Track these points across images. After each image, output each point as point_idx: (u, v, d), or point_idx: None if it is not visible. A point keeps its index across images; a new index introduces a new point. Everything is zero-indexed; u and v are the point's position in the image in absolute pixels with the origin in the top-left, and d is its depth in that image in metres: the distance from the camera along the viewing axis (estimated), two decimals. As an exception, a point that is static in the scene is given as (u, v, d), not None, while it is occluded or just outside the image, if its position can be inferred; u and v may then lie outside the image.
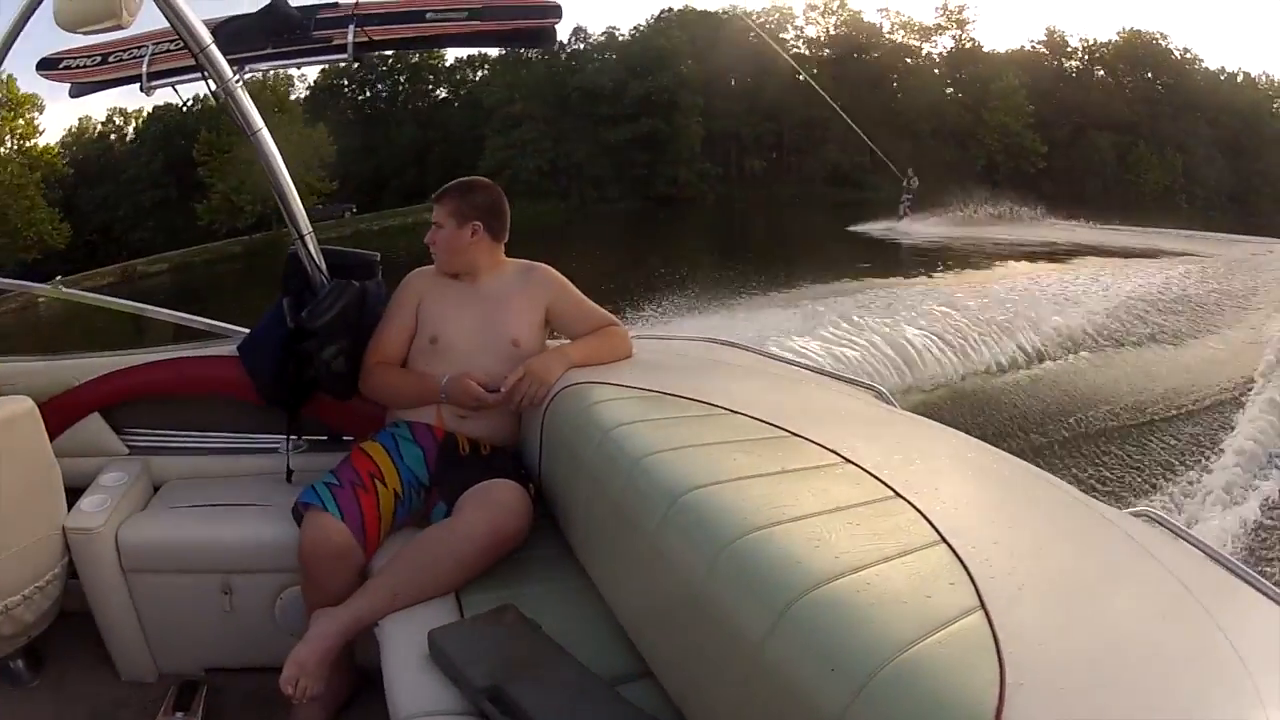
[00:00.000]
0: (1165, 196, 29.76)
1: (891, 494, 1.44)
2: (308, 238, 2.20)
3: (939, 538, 1.30)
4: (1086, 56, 36.49)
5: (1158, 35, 35.50)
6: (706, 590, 1.25)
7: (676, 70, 35.58)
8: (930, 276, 14.66)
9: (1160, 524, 1.83)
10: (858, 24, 38.04)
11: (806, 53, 37.24)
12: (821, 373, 2.72)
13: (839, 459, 1.59)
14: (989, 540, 1.34)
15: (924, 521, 1.35)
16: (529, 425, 2.04)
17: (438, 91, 39.94)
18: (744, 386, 2.15)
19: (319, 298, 2.11)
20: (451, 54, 38.20)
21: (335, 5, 2.11)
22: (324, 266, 2.22)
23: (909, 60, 37.44)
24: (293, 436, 2.22)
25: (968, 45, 36.83)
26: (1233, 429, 8.29)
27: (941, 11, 37.53)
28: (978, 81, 35.04)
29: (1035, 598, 1.23)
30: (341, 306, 2.09)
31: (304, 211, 2.20)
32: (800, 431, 1.70)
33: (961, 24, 37.14)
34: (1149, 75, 34.64)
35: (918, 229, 25.44)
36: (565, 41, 36.10)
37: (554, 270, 2.20)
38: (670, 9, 38.76)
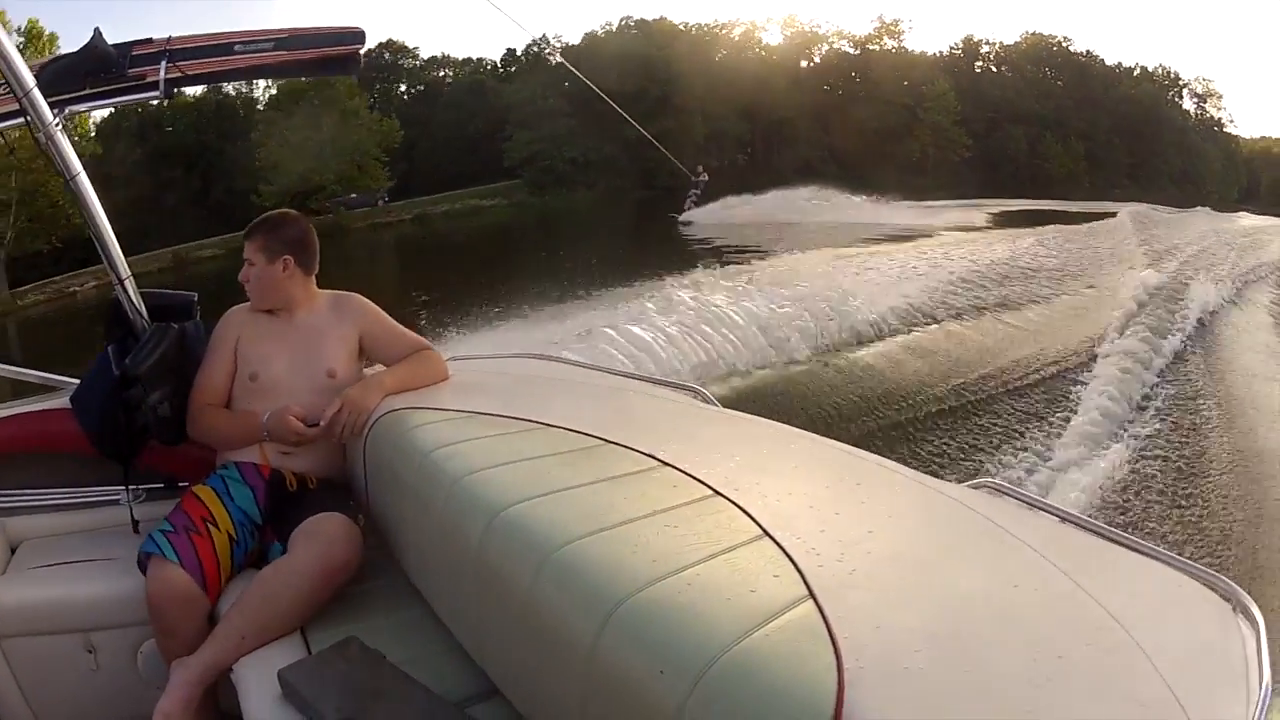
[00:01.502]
0: (1069, 178, 31.54)
1: (710, 492, 1.45)
2: (127, 282, 2.15)
3: (761, 531, 1.30)
4: (996, 58, 38.86)
5: (1061, 38, 37.98)
6: (533, 602, 1.24)
7: (681, 74, 36.95)
8: (750, 264, 13.58)
9: (1005, 494, 1.86)
10: (806, 36, 40.06)
11: (768, 60, 38.82)
12: (640, 379, 2.74)
13: (656, 462, 1.58)
14: (814, 529, 1.36)
15: (745, 517, 1.35)
16: (353, 455, 1.99)
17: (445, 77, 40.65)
18: (560, 400, 2.15)
19: (140, 344, 2.05)
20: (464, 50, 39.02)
21: (149, 41, 2.08)
22: (144, 311, 2.17)
23: (853, 74, 39.10)
24: (132, 486, 2.14)
25: (899, 52, 38.69)
26: (1084, 388, 8.24)
27: (878, 22, 39.47)
28: (913, 85, 36.71)
29: (868, 581, 1.24)
30: (162, 351, 2.04)
31: (123, 256, 2.15)
32: (617, 439, 1.69)
33: (896, 34, 39.23)
34: (1052, 73, 36.75)
35: (701, 217, 25.24)
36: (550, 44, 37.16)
37: (364, 299, 2.17)
38: (630, 17, 40.84)
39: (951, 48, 40.19)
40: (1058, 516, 1.79)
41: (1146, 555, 1.66)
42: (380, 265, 24.88)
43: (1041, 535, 1.62)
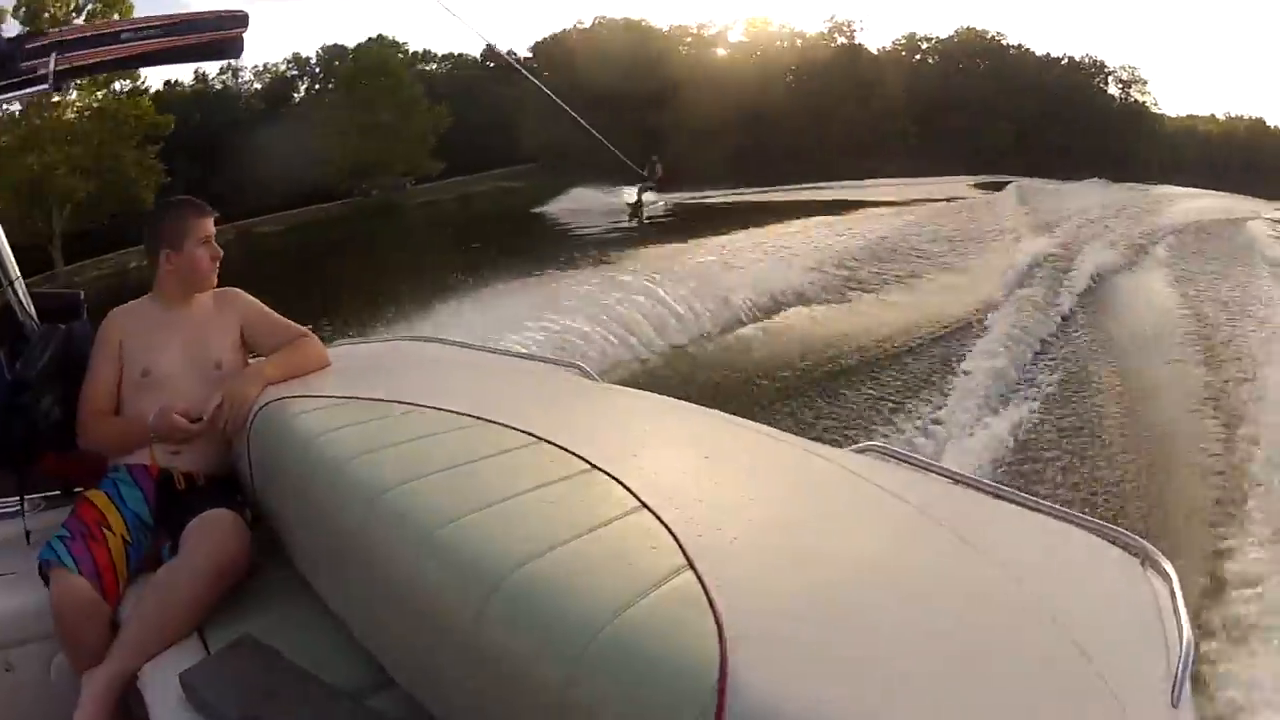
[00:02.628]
0: (999, 157, 32.42)
1: (588, 467, 1.43)
2: (17, 284, 2.11)
3: (639, 504, 1.29)
4: (934, 52, 40.88)
5: (994, 33, 40.10)
6: (416, 585, 1.22)
7: (670, 73, 37.53)
8: (662, 245, 14.02)
9: (891, 457, 1.86)
10: (767, 34, 41.73)
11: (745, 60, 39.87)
12: (524, 357, 2.72)
13: (534, 439, 1.56)
14: (692, 499, 1.35)
15: (622, 490, 1.33)
16: (238, 449, 1.91)
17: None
18: (441, 381, 2.11)
19: (30, 346, 2.01)
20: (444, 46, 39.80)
21: (40, 34, 2.06)
22: (34, 312, 2.13)
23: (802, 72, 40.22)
24: (28, 496, 2.01)
25: (853, 48, 40.37)
26: (973, 353, 8.30)
27: (830, 23, 41.38)
28: (865, 80, 38.29)
29: (748, 549, 1.23)
30: (51, 354, 1.99)
31: (13, 257, 2.11)
32: (497, 418, 1.66)
33: (849, 33, 41.06)
34: (985, 65, 38.72)
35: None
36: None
37: (242, 291, 2.15)
38: (604, 16, 42.08)
39: (895, 43, 42.23)
40: (949, 478, 1.80)
41: (1046, 513, 1.66)
42: (449, 236, 25.25)
43: (930, 497, 1.63)
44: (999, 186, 25.62)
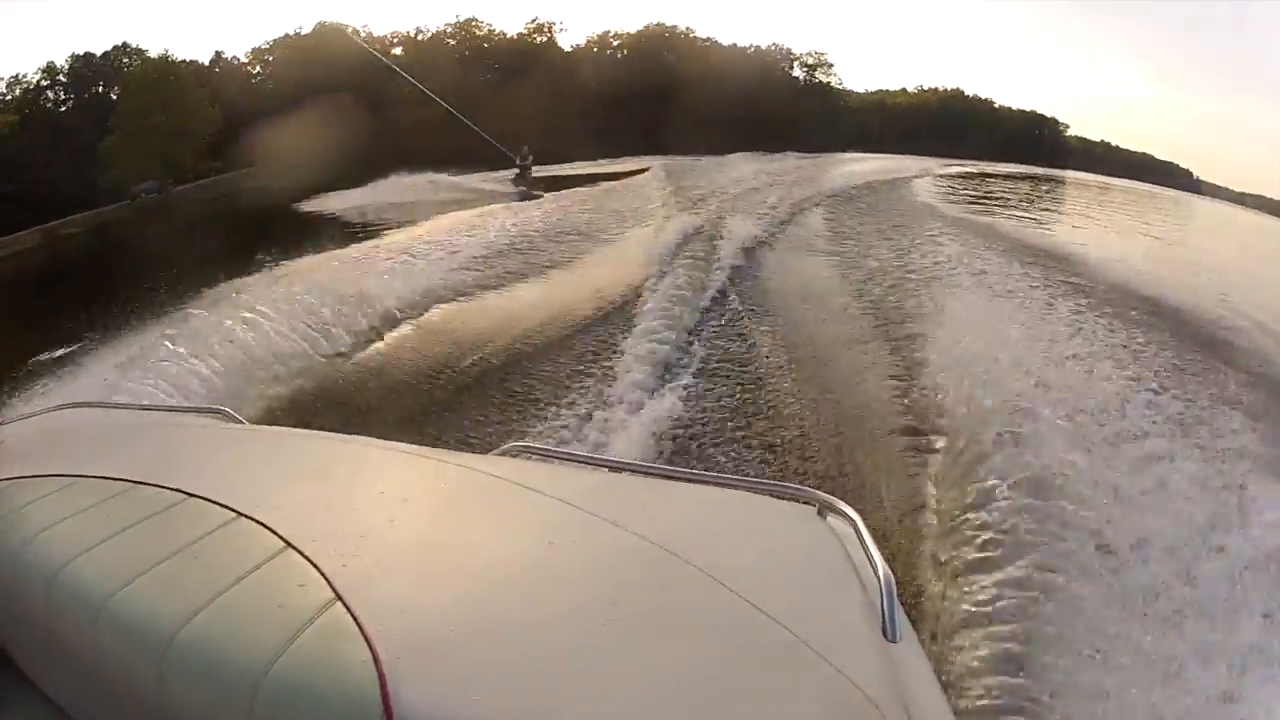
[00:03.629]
0: (692, 137, 32.43)
1: (235, 515, 1.41)
2: None
3: (285, 544, 1.28)
4: (625, 47, 42.30)
5: (685, 28, 42.28)
6: (100, 657, 1.21)
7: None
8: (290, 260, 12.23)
9: (536, 455, 1.99)
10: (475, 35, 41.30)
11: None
12: (169, 409, 2.85)
13: (184, 496, 1.52)
14: (334, 530, 1.35)
15: (268, 533, 1.32)
16: None
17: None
18: (98, 449, 2.01)
19: None
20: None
21: None
22: None
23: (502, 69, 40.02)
24: None
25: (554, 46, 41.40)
26: (629, 337, 7.89)
27: (532, 24, 41.72)
28: (562, 73, 39.25)
29: (393, 571, 1.24)
30: None
31: None
32: (150, 479, 1.61)
33: (550, 33, 41.65)
34: (674, 56, 40.71)
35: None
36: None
37: None
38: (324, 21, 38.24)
39: (588, 39, 42.99)
40: (602, 466, 2.02)
41: (711, 484, 1.79)
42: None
43: (581, 488, 1.62)
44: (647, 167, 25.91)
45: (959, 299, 9.08)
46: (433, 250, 11.60)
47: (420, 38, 40.18)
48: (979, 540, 4.51)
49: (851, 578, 1.32)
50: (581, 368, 7.38)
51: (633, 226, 14.17)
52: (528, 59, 39.86)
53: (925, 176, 26.17)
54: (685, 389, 6.71)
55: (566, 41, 41.40)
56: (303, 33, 36.84)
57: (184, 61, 33.13)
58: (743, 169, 22.75)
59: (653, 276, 9.99)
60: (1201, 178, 50.49)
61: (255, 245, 12.73)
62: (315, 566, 1.20)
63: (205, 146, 30.65)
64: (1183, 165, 50.87)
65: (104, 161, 27.86)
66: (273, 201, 22.72)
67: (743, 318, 8.84)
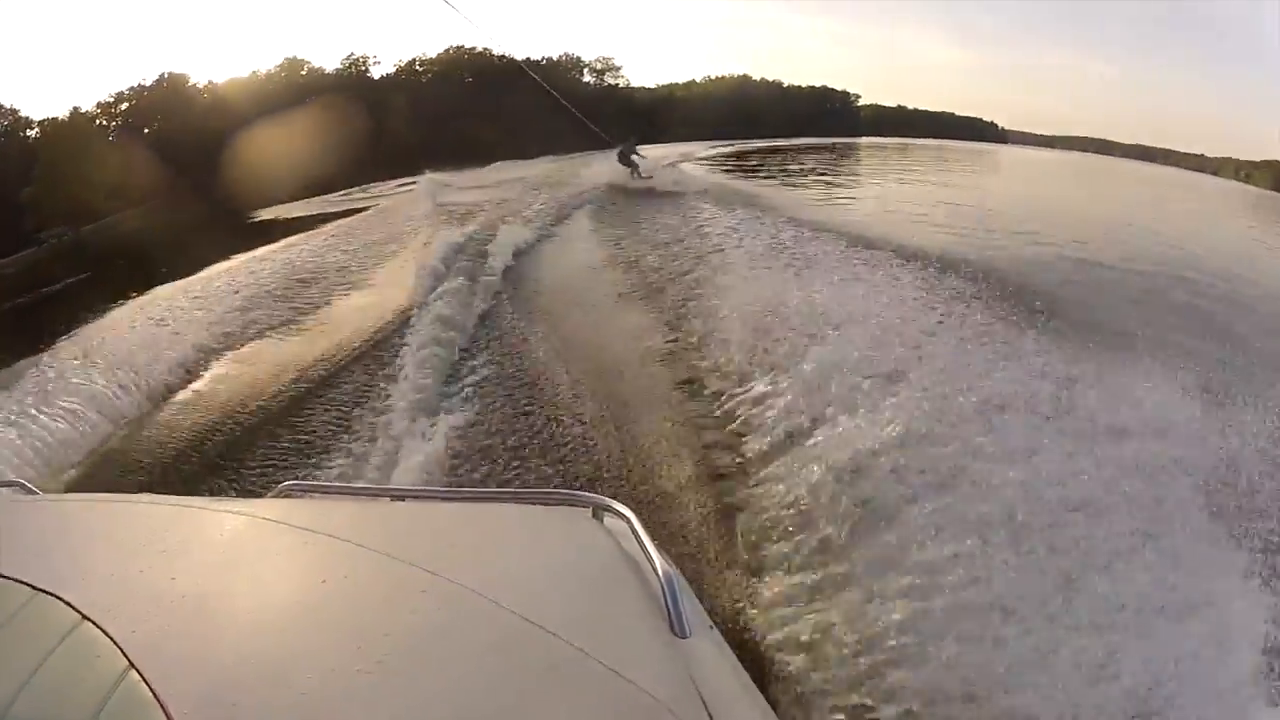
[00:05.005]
0: (496, 147, 33.37)
1: (33, 592, 1.33)
2: None
3: (81, 617, 1.24)
4: (427, 70, 43.95)
5: (482, 48, 42.93)
6: None
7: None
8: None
9: (308, 494, 2.05)
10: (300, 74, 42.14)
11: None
12: None
13: None
14: (124, 596, 1.32)
15: (64, 606, 1.26)
16: None
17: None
18: None
19: None
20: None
21: None
22: None
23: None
24: None
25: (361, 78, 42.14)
26: (404, 363, 7.54)
27: (349, 60, 43.31)
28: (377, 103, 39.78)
29: (181, 632, 1.20)
30: None
31: None
32: None
33: (365, 68, 43.06)
34: (471, 75, 42.29)
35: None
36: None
37: None
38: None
39: (398, 68, 44.38)
40: (382, 495, 1.98)
41: (487, 501, 1.90)
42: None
43: (354, 521, 1.63)
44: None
45: (731, 277, 9.03)
46: (203, 303, 10.99)
47: (253, 76, 40.72)
48: (773, 523, 4.39)
49: (632, 579, 1.29)
50: (359, 399, 7.02)
51: (397, 249, 13.69)
52: (344, 89, 40.53)
53: (689, 160, 26.91)
54: (463, 408, 6.44)
55: (379, 72, 43.13)
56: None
57: (98, 116, 34.02)
58: (503, 176, 22.73)
59: (419, 298, 9.64)
60: (1008, 128, 55.72)
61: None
62: (109, 637, 1.16)
63: (111, 189, 29.85)
64: (987, 119, 55.99)
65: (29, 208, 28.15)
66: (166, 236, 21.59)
67: (514, 328, 8.53)
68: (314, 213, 22.40)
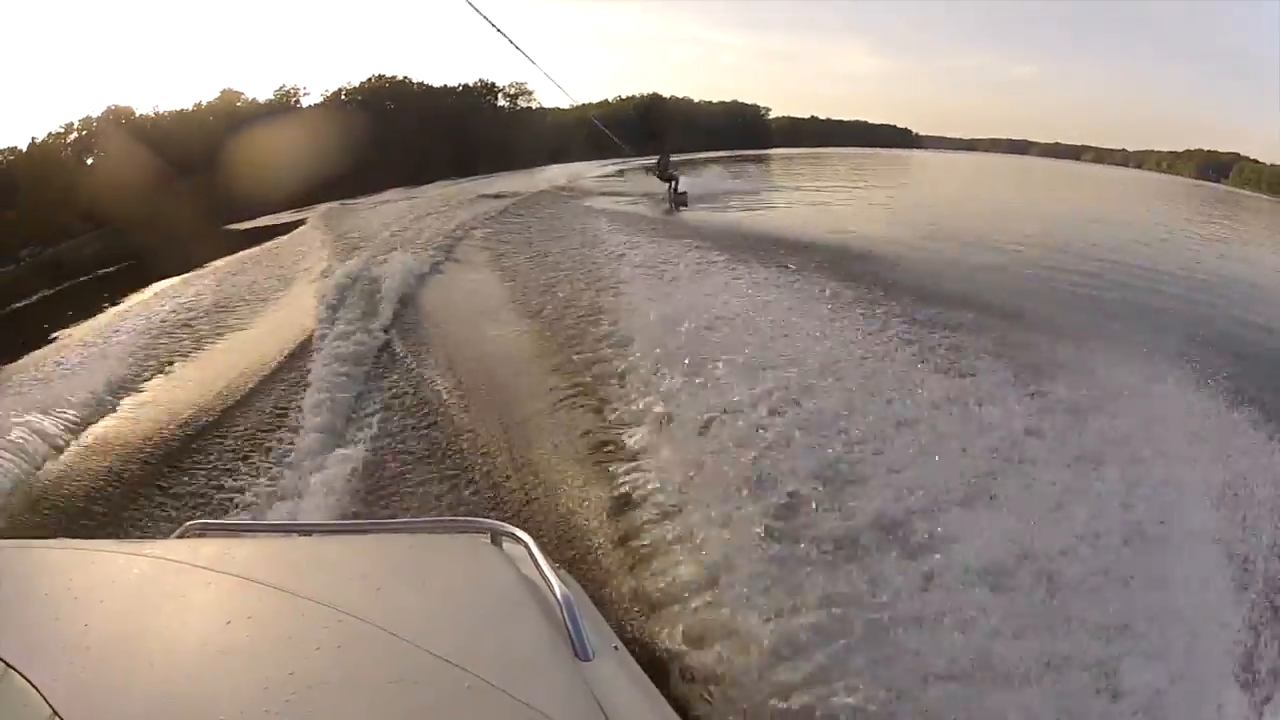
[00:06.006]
0: (411, 171, 33.74)
1: None
2: None
3: (6, 667, 1.21)
4: (354, 100, 42.66)
5: (403, 77, 43.87)
6: None
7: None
8: None
9: (210, 532, 1.95)
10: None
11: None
12: None
13: None
14: (44, 644, 1.29)
15: None
16: None
17: None
18: None
19: None
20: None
21: None
22: None
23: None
24: None
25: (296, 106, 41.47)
26: (304, 397, 7.30)
27: (280, 91, 41.38)
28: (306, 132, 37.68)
29: (99, 680, 1.19)
30: None
31: None
32: None
33: (296, 99, 41.86)
34: (393, 103, 42.18)
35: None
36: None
37: None
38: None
39: (324, 97, 43.13)
40: (279, 531, 2.00)
41: (388, 531, 1.85)
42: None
43: (258, 559, 1.61)
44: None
45: (630, 290, 9.12)
46: (113, 339, 10.50)
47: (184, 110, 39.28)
48: (677, 539, 4.34)
49: (530, 603, 1.29)
50: (263, 432, 6.76)
51: (294, 281, 13.24)
52: (276, 118, 40.01)
53: (583, 179, 27.48)
54: (366, 438, 6.31)
55: (308, 102, 42.05)
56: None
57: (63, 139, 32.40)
58: (397, 206, 22.35)
59: (315, 332, 9.29)
60: (922, 133, 57.72)
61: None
62: (33, 685, 1.15)
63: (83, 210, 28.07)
64: (900, 125, 57.87)
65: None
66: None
67: (415, 354, 8.41)
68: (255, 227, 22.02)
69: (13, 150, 32.17)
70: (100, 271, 20.54)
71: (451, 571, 1.48)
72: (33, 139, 33.57)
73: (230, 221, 24.83)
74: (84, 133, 35.73)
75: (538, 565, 1.40)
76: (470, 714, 1.05)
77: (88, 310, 13.14)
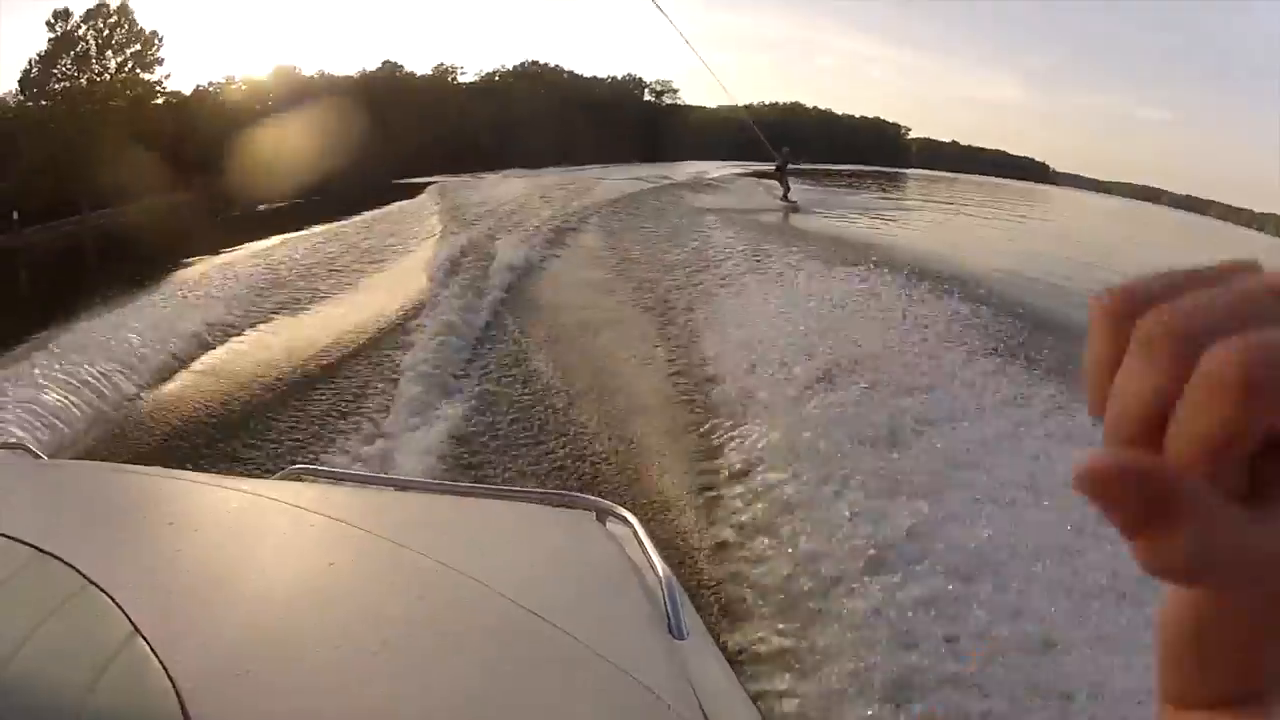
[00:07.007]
0: (560, 154, 34.27)
1: (36, 552, 1.27)
2: None
3: (86, 580, 1.18)
4: (505, 81, 44.69)
5: (554, 64, 45.48)
6: None
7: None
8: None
9: (317, 477, 1.94)
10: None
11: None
12: None
13: None
14: (130, 562, 1.31)
15: (68, 569, 1.21)
16: None
17: None
18: None
19: None
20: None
21: None
22: None
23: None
24: None
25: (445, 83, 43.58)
26: (409, 354, 7.47)
27: (439, 67, 43.81)
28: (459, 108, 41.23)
29: (188, 602, 1.18)
30: None
31: None
32: None
33: (454, 75, 43.98)
34: (543, 88, 43.12)
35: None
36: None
37: None
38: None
39: (480, 77, 45.16)
40: (385, 485, 1.96)
41: (493, 497, 1.82)
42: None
43: (360, 508, 1.60)
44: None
45: (740, 292, 9.10)
46: (218, 285, 10.97)
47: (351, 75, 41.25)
48: (765, 530, 4.37)
49: (633, 581, 1.29)
50: (364, 388, 6.91)
51: (410, 248, 13.57)
52: (433, 94, 41.99)
53: (714, 177, 27.75)
54: (467, 404, 6.32)
55: (464, 79, 43.84)
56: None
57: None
58: (512, 186, 22.21)
59: (426, 297, 9.51)
60: (1058, 170, 54.90)
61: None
62: (114, 601, 1.13)
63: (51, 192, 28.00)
64: (1038, 159, 55.25)
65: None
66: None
67: (521, 330, 8.49)
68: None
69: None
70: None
71: (555, 541, 1.47)
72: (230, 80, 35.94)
73: (399, 178, 26.21)
74: (270, 93, 37.53)
75: (641, 544, 1.39)
76: (568, 674, 1.06)
77: (197, 254, 13.94)
